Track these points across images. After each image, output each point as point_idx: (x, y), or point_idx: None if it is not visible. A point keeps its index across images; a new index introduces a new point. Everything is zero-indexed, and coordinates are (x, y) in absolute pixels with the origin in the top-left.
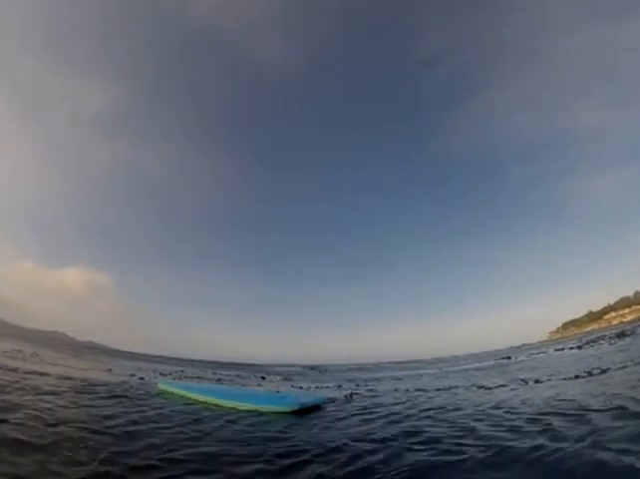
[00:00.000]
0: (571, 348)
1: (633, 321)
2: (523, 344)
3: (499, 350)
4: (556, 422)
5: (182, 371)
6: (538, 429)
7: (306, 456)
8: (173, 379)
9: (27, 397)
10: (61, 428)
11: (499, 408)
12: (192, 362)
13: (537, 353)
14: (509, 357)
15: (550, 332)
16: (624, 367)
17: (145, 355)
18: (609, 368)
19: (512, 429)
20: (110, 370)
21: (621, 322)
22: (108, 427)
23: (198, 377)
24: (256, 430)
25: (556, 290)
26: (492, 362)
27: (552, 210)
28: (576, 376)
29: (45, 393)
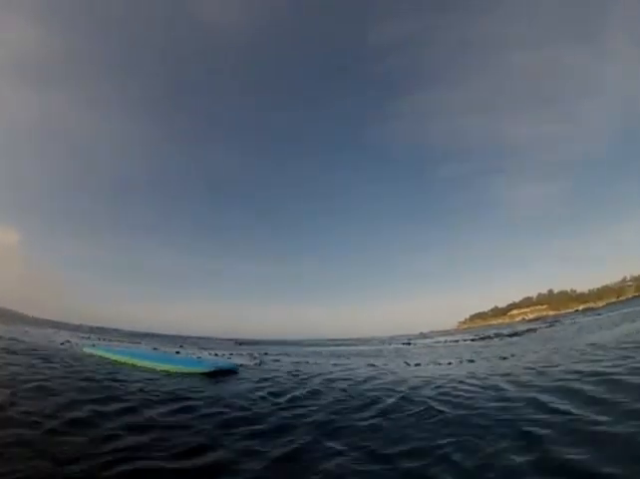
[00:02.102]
0: (465, 340)
1: (535, 319)
2: (431, 331)
3: (410, 335)
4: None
5: (103, 339)
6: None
7: (212, 409)
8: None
9: None
10: None
11: (370, 380)
12: (112, 332)
13: (435, 342)
14: (409, 343)
15: (459, 322)
16: (488, 359)
17: (64, 324)
18: (477, 359)
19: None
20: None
21: (523, 319)
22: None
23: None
24: (173, 388)
25: (469, 284)
26: (392, 347)
27: (475, 209)
28: (449, 363)
29: None
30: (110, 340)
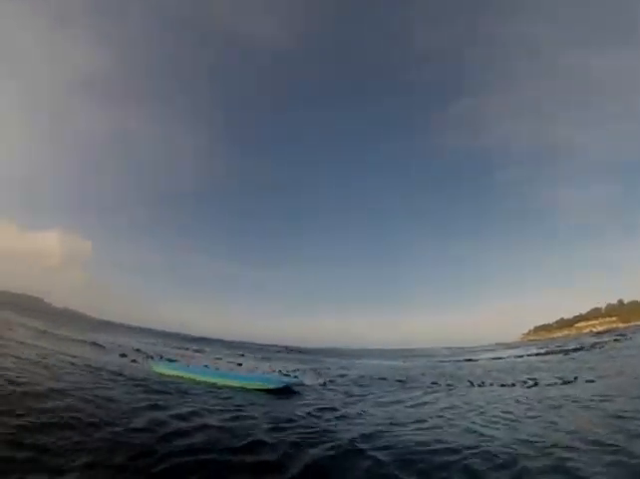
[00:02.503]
0: (529, 355)
1: (604, 332)
2: (495, 344)
3: (470, 348)
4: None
5: (162, 345)
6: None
7: (282, 425)
8: (161, 358)
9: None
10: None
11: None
12: (167, 335)
13: (498, 358)
14: (470, 359)
15: (523, 334)
16: (554, 384)
17: (121, 326)
18: (540, 381)
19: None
20: (102, 347)
21: (591, 332)
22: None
23: (180, 349)
24: (245, 403)
25: (533, 294)
26: (455, 362)
27: (535, 214)
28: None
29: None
30: (173, 347)
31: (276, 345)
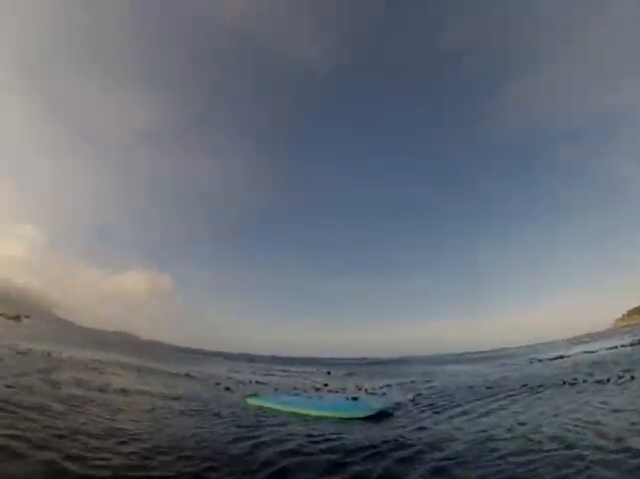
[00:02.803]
0: (623, 346)
1: None
2: (583, 336)
3: (553, 343)
4: None
5: (249, 370)
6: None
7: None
8: (250, 383)
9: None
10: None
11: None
12: (253, 358)
13: (588, 352)
14: (562, 356)
15: (616, 320)
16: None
17: (205, 352)
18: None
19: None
20: (194, 378)
21: None
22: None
23: (269, 375)
24: (337, 432)
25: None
26: (541, 361)
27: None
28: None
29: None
30: (260, 370)
31: (354, 358)
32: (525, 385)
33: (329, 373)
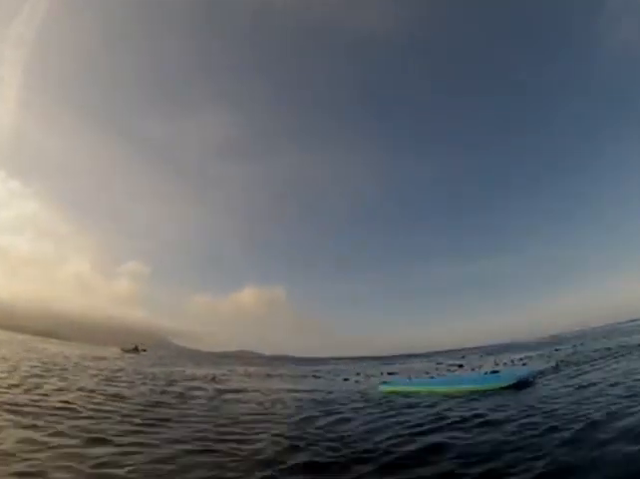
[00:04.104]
0: None
1: None
2: None
3: None
4: None
5: (376, 367)
6: None
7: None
8: (382, 374)
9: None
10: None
11: None
12: (378, 358)
13: None
14: None
15: None
16: None
17: (329, 359)
18: None
19: None
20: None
21: None
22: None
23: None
24: (482, 406)
25: None
26: None
27: None
28: None
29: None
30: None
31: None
32: None
33: (463, 357)
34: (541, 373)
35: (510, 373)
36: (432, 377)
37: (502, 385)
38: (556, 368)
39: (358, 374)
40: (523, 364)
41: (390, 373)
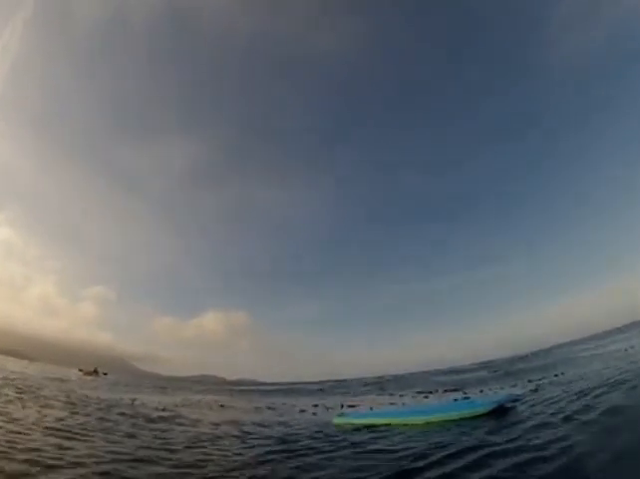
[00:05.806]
0: None
1: None
2: None
3: None
4: None
5: (335, 395)
6: None
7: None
8: (342, 406)
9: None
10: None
11: None
12: (334, 386)
13: None
14: None
15: None
16: None
17: (292, 383)
18: None
19: None
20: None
21: None
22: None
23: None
24: (463, 439)
25: None
26: None
27: None
28: None
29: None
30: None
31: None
32: None
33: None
34: (520, 396)
35: (486, 398)
36: (393, 405)
37: (479, 413)
38: (535, 391)
39: (315, 406)
40: (500, 388)
41: (350, 406)
